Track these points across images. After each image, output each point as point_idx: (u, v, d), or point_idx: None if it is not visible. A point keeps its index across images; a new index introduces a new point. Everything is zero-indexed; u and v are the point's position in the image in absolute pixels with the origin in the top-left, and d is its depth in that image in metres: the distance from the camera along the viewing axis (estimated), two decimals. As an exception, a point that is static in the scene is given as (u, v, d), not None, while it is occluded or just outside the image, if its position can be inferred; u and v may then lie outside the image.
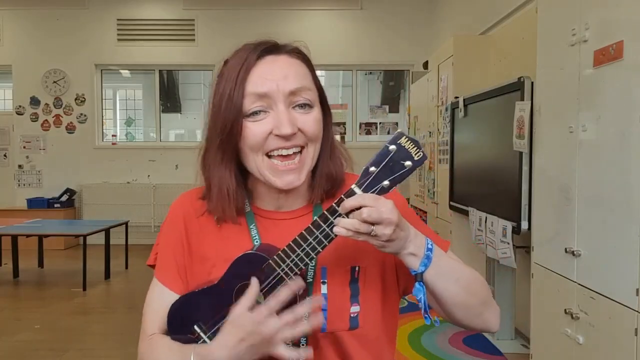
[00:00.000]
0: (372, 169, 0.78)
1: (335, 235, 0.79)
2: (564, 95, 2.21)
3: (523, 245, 3.12)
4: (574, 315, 2.09)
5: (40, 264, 5.67)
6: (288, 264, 0.81)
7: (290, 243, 0.81)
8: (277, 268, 0.82)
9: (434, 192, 4.73)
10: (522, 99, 2.73)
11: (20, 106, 7.15)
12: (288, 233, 0.84)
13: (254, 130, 0.85)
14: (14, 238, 5.26)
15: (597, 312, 1.97)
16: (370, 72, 7.60)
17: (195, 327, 0.87)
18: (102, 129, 7.38)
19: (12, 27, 7.13)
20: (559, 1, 2.31)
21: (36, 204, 6.83)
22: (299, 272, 0.82)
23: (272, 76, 0.85)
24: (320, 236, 0.80)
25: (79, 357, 3.20)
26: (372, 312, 0.91)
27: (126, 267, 5.60)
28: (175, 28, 7.08)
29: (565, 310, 2.16)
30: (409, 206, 1.01)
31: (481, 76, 4.10)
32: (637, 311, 1.72)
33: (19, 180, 7.20)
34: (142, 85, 7.77)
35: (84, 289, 4.66)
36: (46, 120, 7.17)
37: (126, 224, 5.58)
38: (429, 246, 0.83)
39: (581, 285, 2.07)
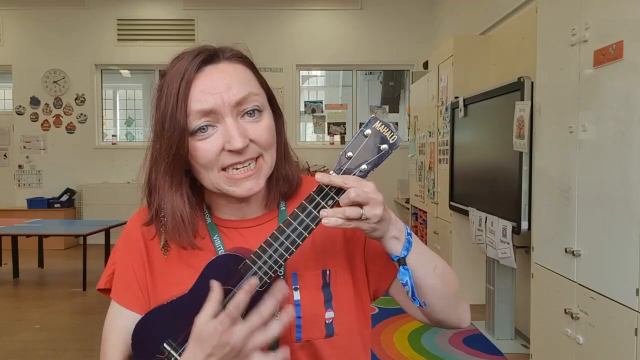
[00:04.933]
0: (349, 154, 0.76)
1: (316, 225, 0.75)
2: (564, 95, 2.21)
3: (523, 245, 3.13)
4: (574, 315, 2.09)
5: (40, 264, 5.67)
6: (266, 261, 0.76)
7: (268, 238, 0.76)
8: (253, 266, 0.76)
9: (434, 192, 4.73)
10: (522, 99, 2.73)
11: (20, 106, 7.15)
12: (254, 241, 0.80)
13: (203, 148, 0.80)
14: (14, 238, 5.26)
15: (597, 312, 1.97)
16: (370, 72, 7.60)
17: (165, 345, 0.80)
18: (102, 129, 7.38)
19: (12, 27, 7.13)
20: (559, 1, 2.31)
21: (36, 204, 6.83)
22: (278, 270, 0.77)
23: (214, 89, 0.79)
24: (299, 228, 0.76)
25: (79, 357, 3.20)
26: (347, 317, 0.88)
27: (126, 267, 5.59)
28: (175, 28, 7.08)
29: (565, 310, 2.16)
30: None
31: (481, 76, 4.10)
32: (637, 311, 1.72)
33: (19, 180, 7.20)
34: (142, 85, 7.77)
35: (84, 289, 4.66)
36: (46, 120, 7.17)
37: (126, 224, 5.57)
38: (408, 231, 0.81)
39: (581, 285, 2.07)
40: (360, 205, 0.74)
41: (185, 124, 0.79)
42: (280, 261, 0.76)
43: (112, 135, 7.48)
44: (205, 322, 0.72)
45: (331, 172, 0.77)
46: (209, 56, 0.83)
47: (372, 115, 0.80)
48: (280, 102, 0.91)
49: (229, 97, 0.79)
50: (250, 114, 0.81)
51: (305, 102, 7.27)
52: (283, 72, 7.07)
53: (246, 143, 0.79)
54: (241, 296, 0.72)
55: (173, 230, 0.84)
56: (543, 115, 2.43)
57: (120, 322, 0.86)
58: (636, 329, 1.73)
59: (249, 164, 0.82)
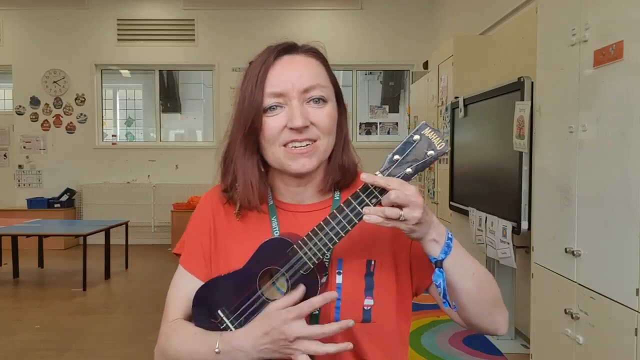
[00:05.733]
0: (397, 157, 0.81)
1: (358, 221, 0.82)
2: (564, 95, 2.21)
3: (523, 245, 3.13)
4: (574, 315, 2.09)
5: (40, 264, 5.66)
6: (311, 248, 0.84)
7: (314, 228, 0.84)
8: (299, 251, 0.85)
9: (434, 192, 4.73)
10: (522, 99, 2.73)
11: (20, 106, 7.15)
12: (307, 225, 0.88)
13: (270, 124, 0.91)
14: (14, 238, 5.26)
15: (597, 312, 1.97)
16: (370, 72, 7.60)
17: (219, 312, 0.90)
18: (102, 129, 7.38)
19: (12, 27, 7.13)
20: (559, 1, 2.31)
21: (36, 204, 6.83)
22: (321, 257, 0.84)
23: (287, 76, 0.91)
24: (343, 221, 0.82)
25: (79, 357, 3.20)
26: (386, 308, 0.93)
27: (126, 267, 5.60)
28: (175, 28, 7.08)
29: (565, 310, 2.16)
30: None
31: (481, 76, 4.10)
32: (637, 311, 1.72)
33: (19, 180, 7.20)
34: (142, 85, 7.77)
35: (84, 289, 4.66)
36: (46, 120, 7.17)
37: (126, 224, 5.59)
38: (449, 236, 0.86)
39: (581, 285, 2.07)
40: (400, 206, 0.79)
41: (261, 102, 0.91)
42: (324, 249, 0.84)
43: (112, 135, 7.48)
44: (277, 308, 0.83)
45: (377, 173, 0.82)
46: (288, 47, 0.95)
47: (423, 121, 0.83)
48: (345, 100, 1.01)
49: (299, 84, 0.91)
50: (316, 101, 0.92)
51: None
52: (283, 72, 7.06)
53: (306, 123, 0.89)
54: (318, 300, 0.82)
55: (243, 194, 0.95)
56: (543, 115, 2.43)
57: (184, 285, 0.98)
58: (636, 329, 1.73)
59: (306, 144, 0.91)
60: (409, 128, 5.93)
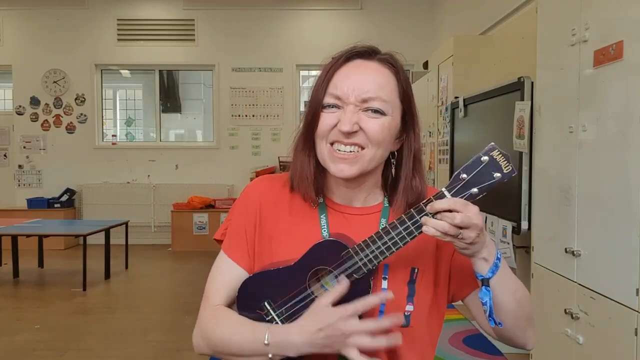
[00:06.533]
0: (464, 175, 0.83)
1: (419, 233, 0.84)
2: (564, 95, 2.21)
3: (523, 245, 3.12)
4: (574, 315, 2.09)
5: (40, 264, 5.66)
6: (367, 255, 0.86)
7: (373, 235, 0.86)
8: (355, 257, 0.86)
9: (434, 192, 4.73)
10: (522, 99, 2.73)
11: (20, 106, 7.15)
12: (355, 227, 0.92)
13: (323, 119, 0.92)
14: (14, 238, 5.26)
15: (597, 312, 1.97)
16: (370, 72, 7.59)
17: (265, 304, 0.91)
18: (102, 129, 7.38)
19: (12, 27, 7.13)
20: (559, 1, 2.31)
21: (36, 204, 6.83)
22: (377, 264, 0.86)
23: (351, 82, 0.91)
24: (403, 232, 0.84)
25: (79, 357, 3.20)
26: (423, 313, 0.95)
27: (126, 267, 5.60)
28: (175, 28, 7.08)
29: (565, 310, 2.16)
30: None
31: (481, 76, 4.10)
32: (637, 311, 1.72)
33: (19, 180, 7.20)
34: (142, 85, 7.77)
35: (84, 289, 4.66)
36: (46, 120, 7.17)
37: (126, 224, 5.58)
38: (498, 256, 0.88)
39: (581, 285, 2.07)
40: (461, 227, 0.81)
41: (322, 99, 0.93)
42: (381, 257, 0.86)
43: (112, 135, 7.48)
44: (324, 304, 0.84)
45: (443, 190, 0.84)
46: (364, 52, 0.96)
47: (492, 143, 0.85)
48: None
49: (359, 92, 0.91)
50: (374, 111, 0.91)
51: (305, 102, 7.26)
52: (283, 72, 7.07)
53: (354, 129, 0.89)
54: (374, 299, 0.84)
55: (299, 185, 0.97)
56: (543, 115, 2.43)
57: (226, 272, 0.99)
58: (636, 329, 1.73)
59: (351, 149, 0.91)
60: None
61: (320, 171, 0.98)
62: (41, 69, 7.08)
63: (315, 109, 0.93)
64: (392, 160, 0.99)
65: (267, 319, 0.91)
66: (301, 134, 0.97)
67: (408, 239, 0.84)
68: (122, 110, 7.72)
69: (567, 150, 2.18)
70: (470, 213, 0.81)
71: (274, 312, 0.91)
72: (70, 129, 7.19)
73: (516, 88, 2.83)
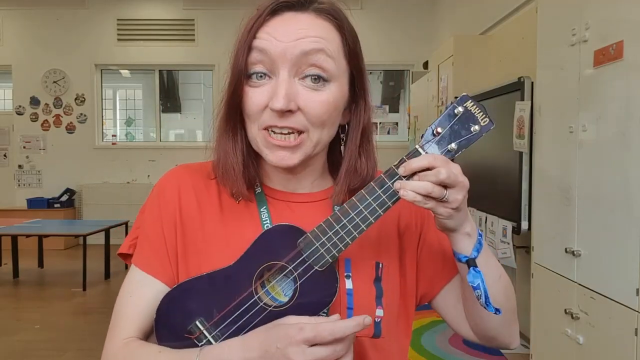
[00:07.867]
0: (439, 129, 0.69)
1: (392, 203, 0.67)
2: (564, 95, 2.21)
3: (523, 245, 3.13)
4: (574, 315, 2.09)
5: (40, 264, 5.66)
6: (331, 238, 0.67)
7: (336, 212, 0.68)
8: (315, 242, 0.68)
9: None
10: (522, 99, 2.73)
11: (20, 106, 7.15)
12: (306, 218, 0.73)
13: (251, 97, 0.72)
14: (14, 238, 5.25)
15: (597, 312, 1.97)
16: (370, 72, 7.59)
17: (197, 324, 0.69)
18: (102, 129, 7.38)
19: (12, 27, 7.13)
20: (559, 1, 2.31)
21: (36, 204, 6.83)
22: (343, 248, 0.68)
23: (282, 36, 0.70)
24: (374, 204, 0.67)
25: (79, 357, 3.20)
26: (392, 319, 0.78)
27: (126, 267, 5.56)
28: (175, 28, 7.08)
29: (565, 310, 2.16)
30: None
31: (481, 76, 4.10)
32: (637, 311, 1.72)
33: (19, 180, 7.20)
34: (142, 85, 7.76)
35: (84, 289, 4.66)
36: (46, 120, 7.17)
37: (126, 224, 5.58)
38: (479, 231, 0.74)
39: (581, 285, 2.07)
40: (445, 186, 0.67)
41: (244, 63, 0.72)
42: (347, 239, 0.68)
43: (112, 135, 7.48)
44: (299, 328, 0.62)
45: (417, 147, 0.70)
46: (296, 1, 0.73)
47: (464, 93, 0.71)
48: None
49: (294, 48, 0.69)
50: (314, 79, 0.71)
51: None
52: (283, 72, 7.07)
53: (289, 107, 0.69)
54: (347, 325, 0.63)
55: (224, 177, 0.76)
56: (543, 115, 2.43)
57: (141, 292, 0.75)
58: (636, 329, 1.73)
59: (289, 134, 0.71)
60: (408, 128, 5.93)
61: (253, 155, 0.77)
62: (41, 69, 7.08)
63: (237, 77, 0.72)
64: (342, 135, 0.79)
65: (200, 344, 0.69)
66: (222, 113, 0.76)
67: (380, 211, 0.67)
68: (122, 110, 7.72)
69: (567, 150, 2.18)
70: (455, 170, 0.67)
71: (209, 333, 0.69)
72: (70, 129, 7.19)
73: (516, 88, 2.83)
